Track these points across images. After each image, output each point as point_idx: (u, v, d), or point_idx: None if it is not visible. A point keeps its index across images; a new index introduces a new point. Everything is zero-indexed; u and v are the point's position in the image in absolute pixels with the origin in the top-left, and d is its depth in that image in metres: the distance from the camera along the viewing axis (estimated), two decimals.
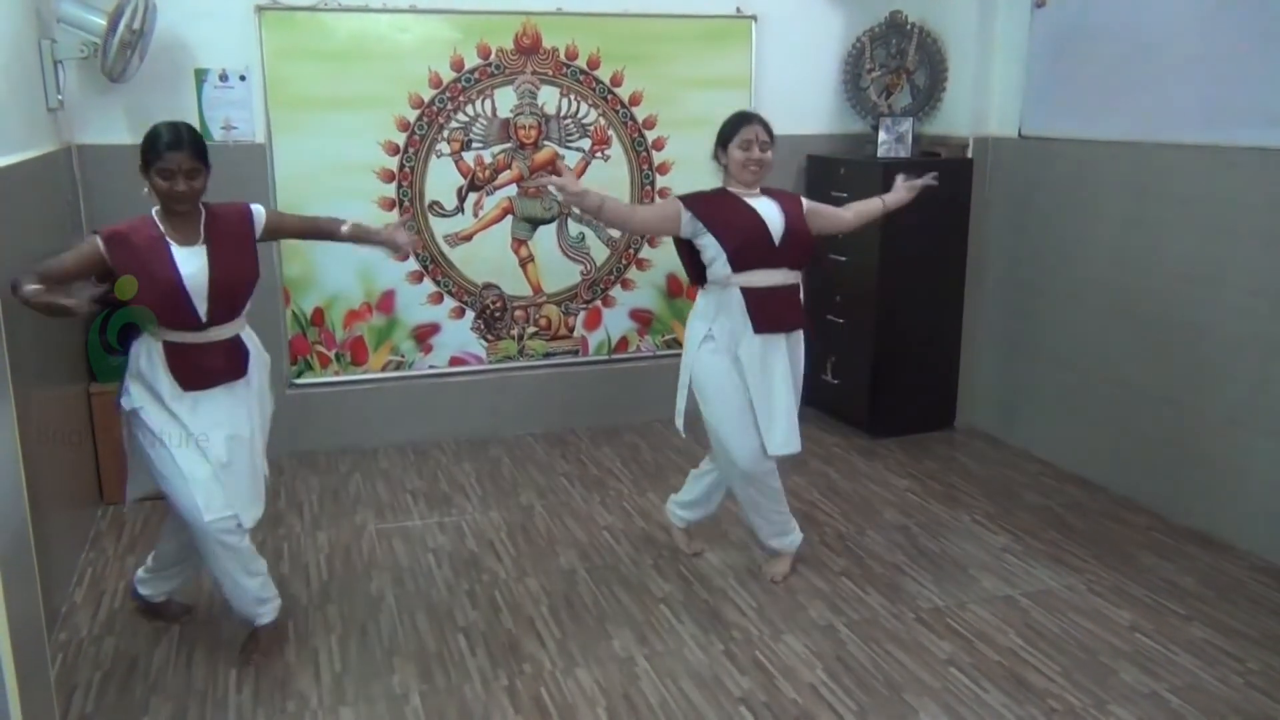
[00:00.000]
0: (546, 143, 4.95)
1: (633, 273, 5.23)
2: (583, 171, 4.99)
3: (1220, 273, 3.83)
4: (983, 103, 4.92)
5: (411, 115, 4.73)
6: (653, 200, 5.10)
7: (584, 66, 4.93)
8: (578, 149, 5.00)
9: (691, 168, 5.13)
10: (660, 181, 5.13)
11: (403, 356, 4.94)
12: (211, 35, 4.43)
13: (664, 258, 5.23)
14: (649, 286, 5.27)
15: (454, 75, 4.76)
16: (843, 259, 5.02)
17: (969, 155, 4.94)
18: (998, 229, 4.92)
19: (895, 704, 2.88)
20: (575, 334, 5.21)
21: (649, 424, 5.26)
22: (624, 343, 5.30)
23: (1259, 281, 3.68)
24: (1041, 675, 3.01)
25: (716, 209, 3.37)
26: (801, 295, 3.49)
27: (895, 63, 5.17)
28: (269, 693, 2.94)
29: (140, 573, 3.30)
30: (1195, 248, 3.92)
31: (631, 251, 5.20)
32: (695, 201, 3.39)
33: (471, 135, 4.84)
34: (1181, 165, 3.96)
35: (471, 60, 4.77)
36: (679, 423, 3.66)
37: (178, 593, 3.36)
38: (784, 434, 3.41)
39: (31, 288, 2.60)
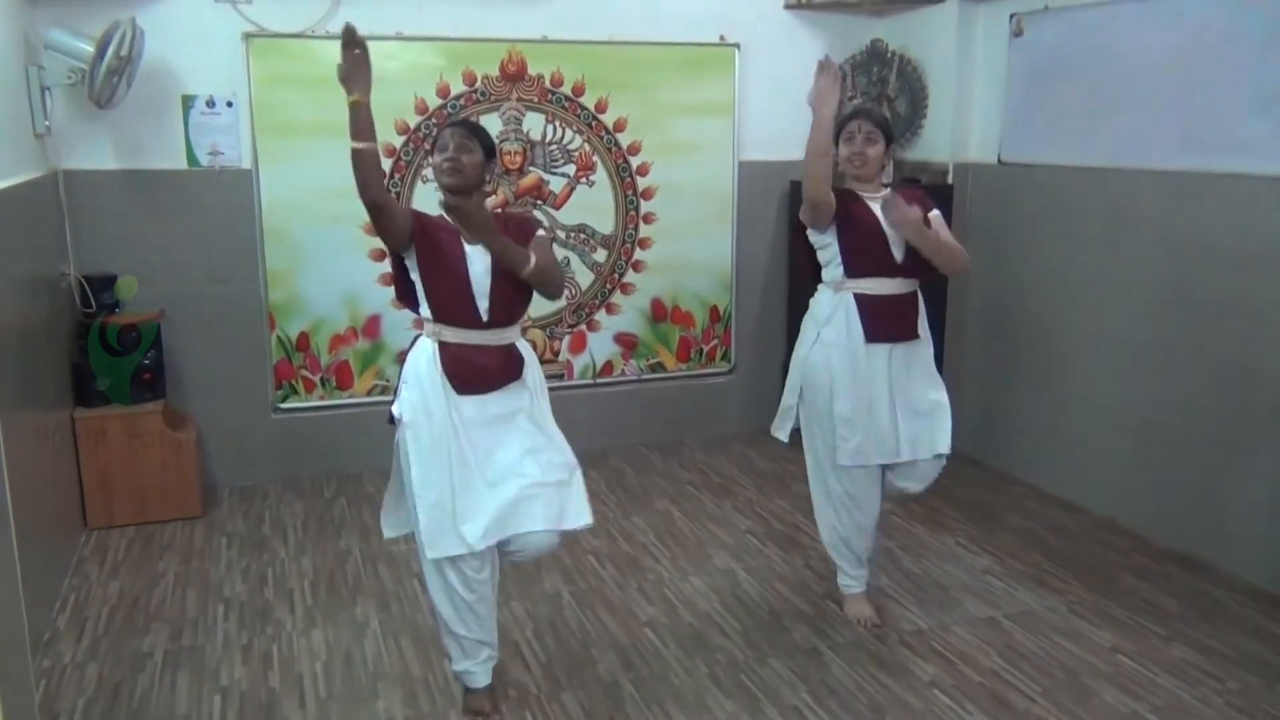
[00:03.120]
0: (532, 168, 4.99)
1: (617, 297, 5.26)
2: (568, 197, 5.04)
3: (1195, 296, 3.88)
4: (962, 129, 4.99)
5: (398, 141, 4.76)
6: (638, 227, 5.15)
7: (569, 93, 4.97)
8: (563, 174, 5.04)
9: (675, 193, 5.19)
10: (644, 207, 5.18)
11: (388, 381, 4.94)
12: (199, 62, 4.45)
13: (648, 282, 5.27)
14: (633, 310, 5.30)
15: (440, 102, 4.79)
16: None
17: (949, 181, 4.99)
18: (978, 253, 4.96)
19: None
20: (560, 358, 5.23)
21: (634, 448, 5.28)
22: (609, 367, 5.32)
23: (1234, 305, 3.74)
24: (1023, 696, 3.03)
25: (846, 208, 3.29)
26: (920, 303, 3.40)
27: (876, 90, 5.24)
28: (253, 719, 2.93)
29: None
30: (1171, 271, 3.98)
31: (616, 276, 5.23)
32: (836, 193, 3.27)
33: None
34: (1157, 191, 4.02)
35: (458, 87, 4.81)
36: (782, 434, 3.51)
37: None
38: (930, 437, 3.36)
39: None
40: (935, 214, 3.35)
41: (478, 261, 2.79)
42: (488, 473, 2.79)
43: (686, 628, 3.45)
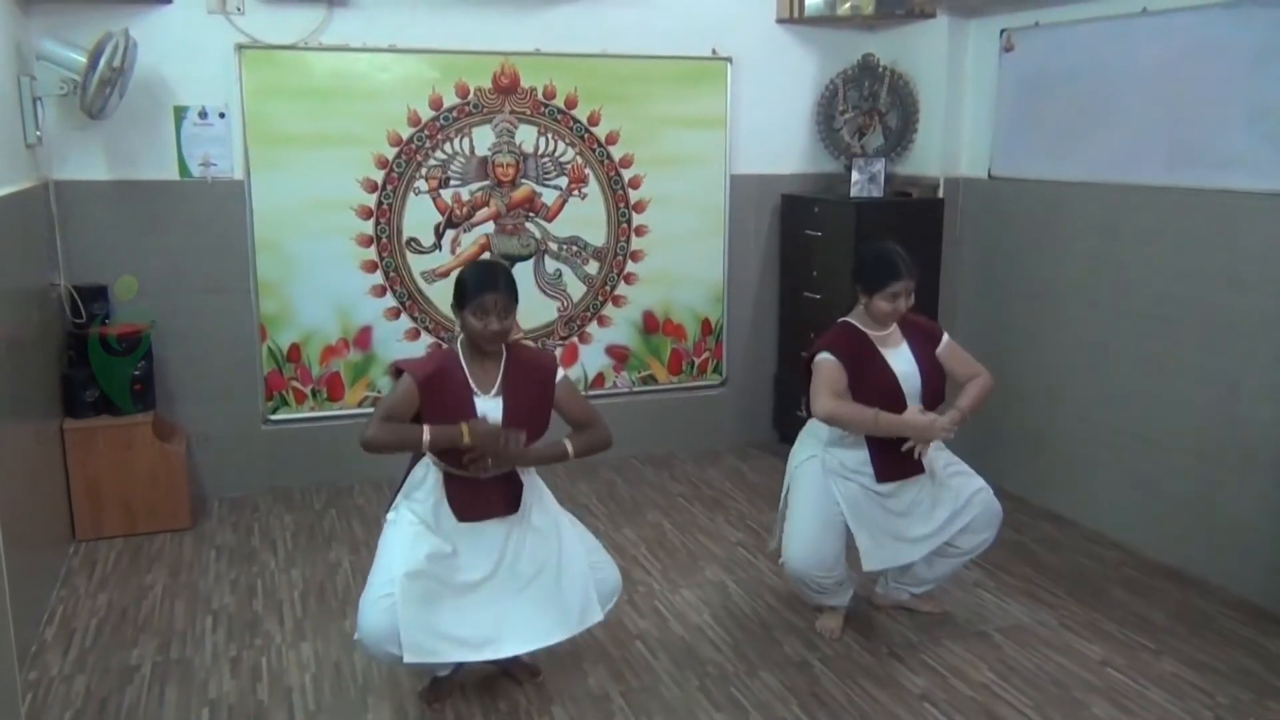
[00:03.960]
0: (524, 181, 4.99)
1: (609, 309, 5.26)
2: (560, 209, 5.04)
3: (1186, 311, 3.90)
4: (953, 144, 5.01)
5: (390, 153, 4.77)
6: (629, 240, 5.16)
7: (561, 106, 4.99)
8: (555, 187, 5.05)
9: (668, 206, 5.20)
10: (637, 219, 5.19)
11: (379, 392, 4.93)
12: (191, 73, 4.46)
13: (640, 295, 5.28)
14: (625, 323, 5.31)
15: (433, 114, 4.80)
16: (816, 296, 5.08)
17: (940, 195, 5.01)
18: (968, 268, 5.00)
19: None
20: None
21: (625, 460, 5.28)
22: (600, 379, 5.32)
23: (1224, 319, 3.75)
24: (1014, 710, 3.02)
25: (858, 364, 3.21)
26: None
27: (868, 104, 5.26)
28: None
29: None
30: (1161, 286, 4.00)
31: (608, 288, 5.24)
32: (844, 355, 3.21)
33: (449, 173, 4.87)
34: (1146, 206, 4.04)
35: (450, 99, 4.82)
36: (774, 545, 3.52)
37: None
38: (881, 555, 3.31)
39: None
40: (947, 340, 3.34)
41: (490, 414, 2.80)
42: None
43: (677, 640, 3.45)
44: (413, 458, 2.93)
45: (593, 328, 5.26)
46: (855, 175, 5.09)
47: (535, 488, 3.00)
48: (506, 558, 2.88)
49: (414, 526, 2.84)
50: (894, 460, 3.23)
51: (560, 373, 2.95)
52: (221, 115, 4.53)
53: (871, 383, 3.21)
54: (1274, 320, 3.58)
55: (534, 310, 5.10)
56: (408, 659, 2.74)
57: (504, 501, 2.87)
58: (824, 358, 3.22)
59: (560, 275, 5.14)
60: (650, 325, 5.35)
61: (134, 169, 4.46)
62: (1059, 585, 3.86)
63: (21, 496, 3.44)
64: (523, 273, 5.05)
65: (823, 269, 5.04)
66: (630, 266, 5.24)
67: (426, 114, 4.79)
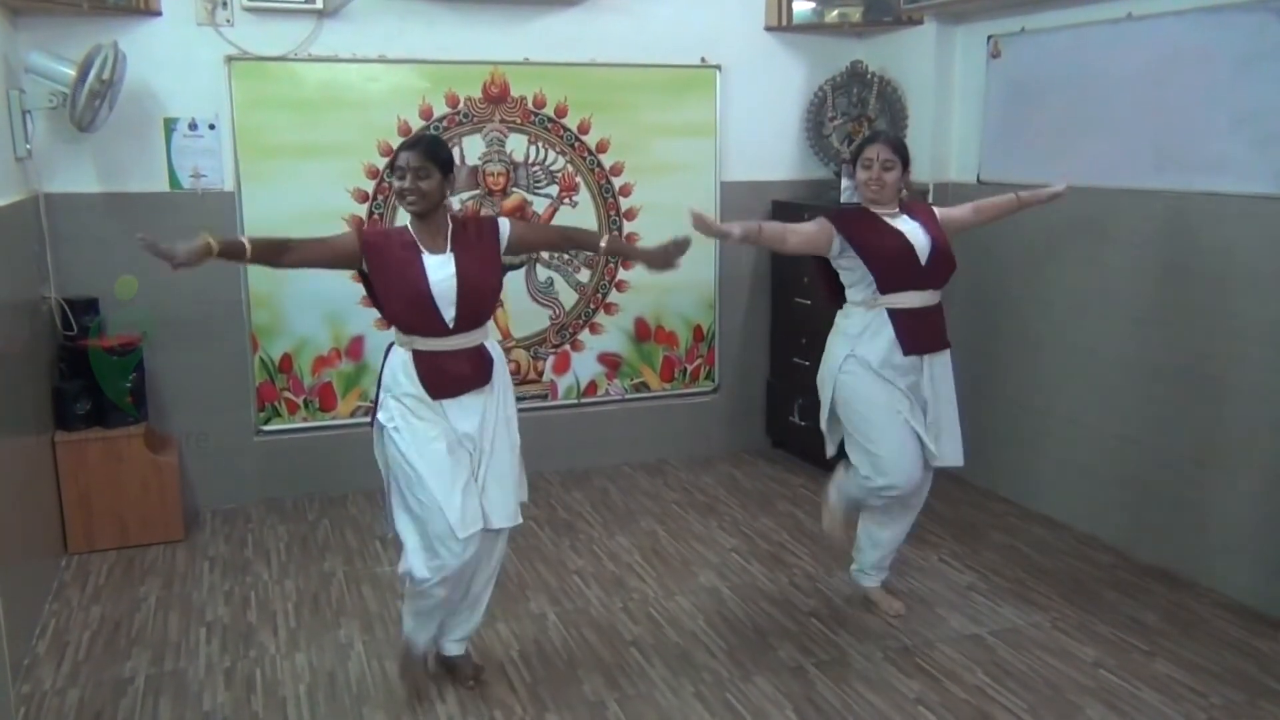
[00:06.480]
0: (515, 189, 5.00)
1: (601, 317, 5.27)
2: (551, 217, 5.05)
3: (1175, 314, 3.92)
4: (942, 149, 5.03)
5: (381, 163, 4.77)
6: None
7: (551, 114, 5.00)
8: (546, 195, 5.06)
9: (658, 213, 5.21)
10: (627, 227, 5.20)
11: (371, 402, 4.92)
12: (181, 85, 4.46)
13: (632, 301, 5.29)
14: (617, 330, 5.31)
15: (423, 123, 4.81)
16: (807, 303, 5.09)
17: (930, 201, 5.03)
18: (959, 273, 4.98)
19: None
20: (544, 378, 5.23)
21: (618, 467, 5.28)
22: (593, 386, 5.33)
23: (1212, 322, 3.77)
24: (1008, 713, 3.03)
25: (863, 230, 3.40)
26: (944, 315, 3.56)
27: (857, 111, 5.28)
28: None
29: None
30: (1149, 290, 4.02)
31: (599, 296, 5.24)
32: (843, 222, 3.41)
33: None
34: (1135, 210, 4.06)
35: (440, 109, 4.83)
36: (830, 450, 3.69)
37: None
38: (952, 446, 3.54)
39: (171, 247, 2.66)
40: (939, 211, 3.58)
41: (439, 270, 2.88)
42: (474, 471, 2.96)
43: (672, 647, 3.45)
44: (385, 353, 3.02)
45: (585, 335, 5.27)
46: (845, 181, 5.09)
47: (501, 368, 3.06)
48: (487, 427, 2.97)
49: (409, 420, 2.90)
50: (917, 334, 3.41)
51: (505, 222, 3.05)
52: (212, 127, 4.53)
53: (880, 243, 3.37)
54: (1262, 322, 3.60)
55: (526, 318, 5.11)
56: (462, 533, 2.84)
57: (475, 376, 2.95)
58: (819, 218, 3.44)
59: (552, 283, 5.15)
60: (642, 332, 5.36)
61: (124, 181, 4.45)
62: (1051, 588, 3.87)
63: (13, 510, 3.43)
64: (514, 281, 5.06)
65: (814, 275, 5.04)
66: (621, 274, 5.25)
67: (417, 124, 4.80)
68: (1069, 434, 4.44)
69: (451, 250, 2.92)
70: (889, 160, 3.39)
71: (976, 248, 4.88)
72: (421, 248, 2.91)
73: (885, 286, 3.39)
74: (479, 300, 2.94)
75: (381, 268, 2.88)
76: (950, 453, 3.55)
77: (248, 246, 2.78)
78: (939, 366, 3.53)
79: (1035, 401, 4.61)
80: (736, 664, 3.33)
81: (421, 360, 2.90)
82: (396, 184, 2.88)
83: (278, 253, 2.87)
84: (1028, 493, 4.70)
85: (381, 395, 2.97)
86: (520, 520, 3.08)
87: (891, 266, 3.37)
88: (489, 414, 2.98)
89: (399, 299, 2.89)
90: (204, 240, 2.68)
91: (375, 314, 4.81)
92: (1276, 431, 3.58)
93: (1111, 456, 4.23)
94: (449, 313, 2.88)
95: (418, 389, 2.89)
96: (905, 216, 3.47)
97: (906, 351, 3.40)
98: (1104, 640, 3.47)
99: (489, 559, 3.09)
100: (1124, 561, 4.10)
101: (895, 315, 3.39)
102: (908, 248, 3.38)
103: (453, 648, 3.20)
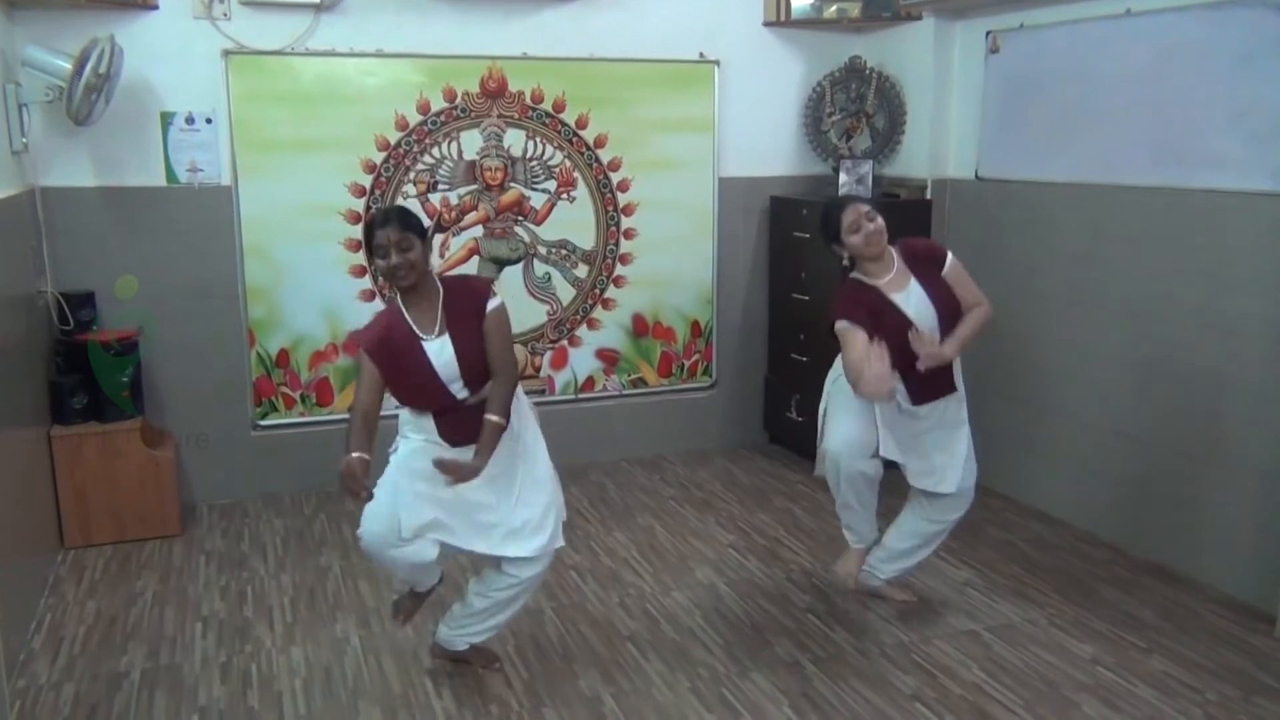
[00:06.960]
0: (512, 184, 5.00)
1: (598, 312, 5.27)
2: (549, 213, 5.05)
3: (1171, 310, 3.92)
4: (941, 145, 5.03)
5: (378, 157, 4.76)
6: (618, 243, 5.17)
7: (549, 109, 4.99)
8: (543, 191, 5.05)
9: (656, 209, 5.21)
10: (625, 223, 5.19)
11: None
12: (178, 79, 4.45)
13: (629, 297, 5.29)
14: (615, 326, 5.31)
15: (420, 118, 4.80)
16: (805, 298, 5.09)
17: (928, 196, 5.03)
18: None
19: None
20: (542, 374, 5.23)
21: (615, 463, 5.28)
22: (590, 382, 5.33)
23: (1208, 318, 3.77)
24: (1005, 709, 3.03)
25: (876, 319, 3.24)
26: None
27: (855, 106, 5.28)
28: None
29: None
30: (1147, 286, 4.02)
31: (597, 291, 5.24)
32: (860, 317, 3.23)
33: (438, 177, 4.88)
34: (1133, 206, 4.06)
35: (438, 103, 4.82)
36: (818, 471, 3.63)
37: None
38: (953, 473, 3.51)
39: (359, 456, 2.78)
40: (951, 262, 3.39)
41: (440, 355, 2.89)
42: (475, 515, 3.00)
43: (668, 642, 3.45)
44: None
45: (582, 331, 5.26)
46: (843, 177, 5.10)
47: (520, 409, 3.06)
48: (501, 476, 2.98)
49: (414, 445, 2.98)
50: (924, 387, 3.35)
51: (493, 302, 2.95)
52: (208, 121, 4.52)
53: (889, 330, 3.25)
54: (1259, 318, 3.60)
55: (523, 313, 5.10)
56: (406, 533, 2.92)
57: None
58: (843, 326, 3.27)
59: (549, 279, 5.15)
60: (640, 328, 5.35)
61: (121, 175, 4.45)
62: (1048, 584, 3.87)
63: (9, 504, 3.43)
64: (512, 276, 5.06)
65: (811, 271, 5.05)
66: (619, 269, 5.25)
67: (414, 118, 4.79)
68: (1066, 430, 4.44)
69: (447, 329, 2.90)
70: (869, 212, 3.27)
71: (974, 242, 4.88)
72: (419, 333, 2.89)
73: (897, 364, 3.23)
74: (481, 370, 2.93)
75: (390, 367, 2.87)
76: (950, 479, 3.50)
77: (368, 444, 2.84)
78: (951, 411, 3.50)
79: (1031, 397, 4.61)
80: (733, 659, 3.33)
81: (439, 419, 2.94)
82: (382, 264, 2.82)
83: (374, 423, 2.89)
84: (1024, 489, 4.70)
85: (397, 440, 3.06)
86: (527, 555, 3.03)
87: (895, 348, 3.19)
88: (503, 450, 2.96)
89: (409, 389, 2.93)
90: (358, 458, 2.79)
91: (373, 308, 4.83)
92: (1273, 428, 3.58)
93: (1108, 453, 4.23)
94: (456, 386, 2.91)
95: (437, 442, 2.95)
96: (912, 281, 3.33)
97: (916, 402, 3.38)
98: (1100, 636, 3.47)
99: (494, 584, 3.10)
100: (1120, 558, 4.10)
101: (907, 378, 3.32)
102: (910, 328, 3.25)
103: (458, 644, 3.21)
